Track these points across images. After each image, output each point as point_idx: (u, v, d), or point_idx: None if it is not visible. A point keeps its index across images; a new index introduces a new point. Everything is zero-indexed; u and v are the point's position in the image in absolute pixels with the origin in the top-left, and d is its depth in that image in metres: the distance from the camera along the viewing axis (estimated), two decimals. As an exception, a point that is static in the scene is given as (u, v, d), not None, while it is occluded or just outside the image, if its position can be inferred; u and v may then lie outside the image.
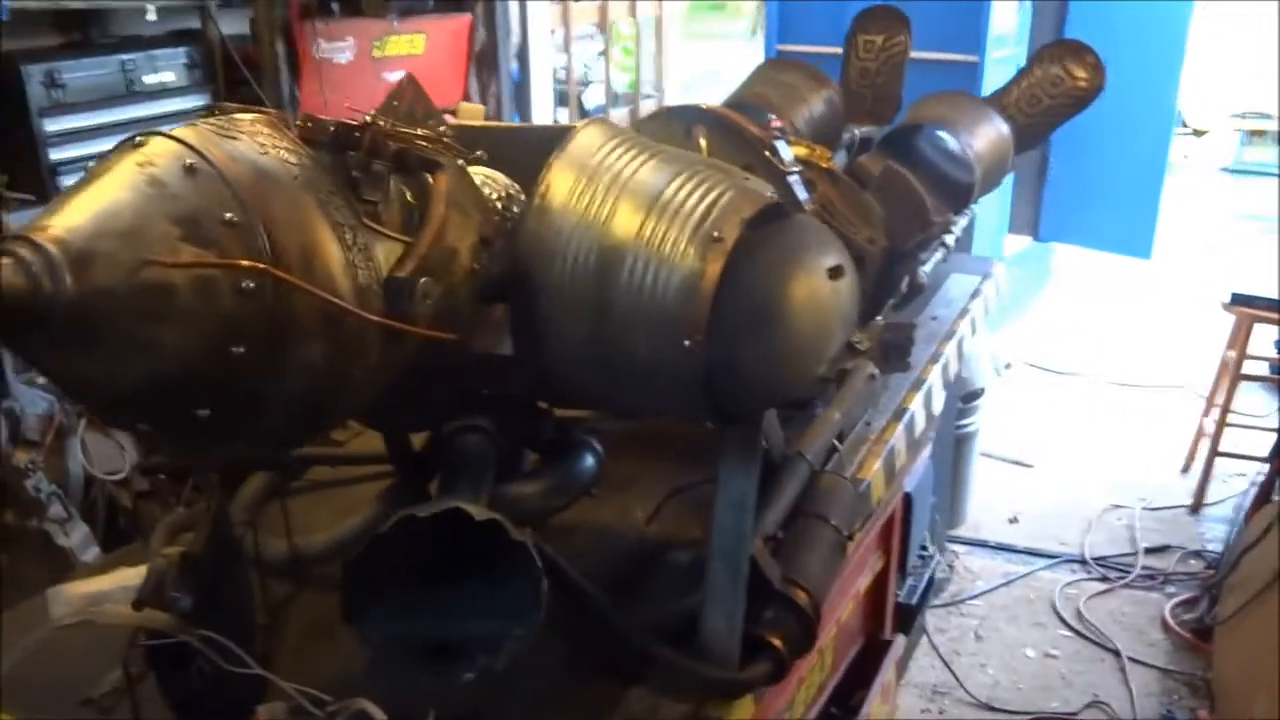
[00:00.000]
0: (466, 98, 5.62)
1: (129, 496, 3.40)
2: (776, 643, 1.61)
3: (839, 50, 3.40)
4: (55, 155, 3.87)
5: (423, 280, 1.25)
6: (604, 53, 7.76)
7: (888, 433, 2.42)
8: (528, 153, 1.58)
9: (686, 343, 1.36)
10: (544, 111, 6.26)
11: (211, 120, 1.19)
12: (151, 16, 4.33)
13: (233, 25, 4.74)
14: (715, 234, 1.38)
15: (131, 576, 1.57)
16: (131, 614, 1.35)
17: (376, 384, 1.27)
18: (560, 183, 1.47)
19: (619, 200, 1.44)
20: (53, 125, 3.89)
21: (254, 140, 1.17)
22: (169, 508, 1.83)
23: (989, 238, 6.43)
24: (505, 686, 1.56)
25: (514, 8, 5.79)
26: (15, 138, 3.82)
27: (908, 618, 3.44)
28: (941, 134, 2.87)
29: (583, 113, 8.03)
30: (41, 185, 3.75)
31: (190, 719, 1.46)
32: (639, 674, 1.63)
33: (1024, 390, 6.16)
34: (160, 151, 1.09)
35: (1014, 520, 4.86)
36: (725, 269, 1.36)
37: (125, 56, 4.19)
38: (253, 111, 1.25)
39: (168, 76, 4.39)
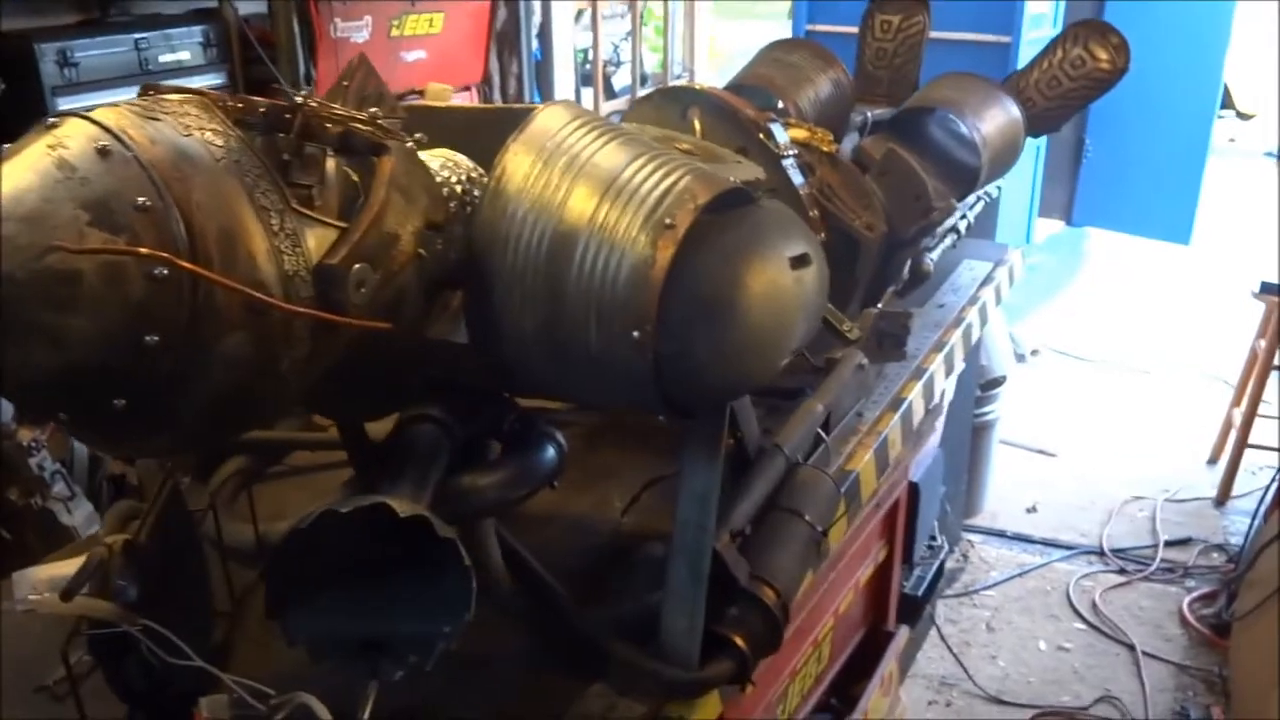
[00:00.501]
0: (486, 77, 5.59)
1: (134, 474, 3.42)
2: (739, 642, 1.57)
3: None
4: (69, 134, 3.89)
5: (357, 267, 1.21)
6: (632, 33, 7.69)
7: (881, 423, 2.36)
8: (501, 135, 1.54)
9: (635, 334, 1.31)
10: (566, 92, 6.22)
11: (137, 101, 1.16)
12: (168, -6, 4.35)
13: (251, 4, 4.74)
14: (668, 220, 1.33)
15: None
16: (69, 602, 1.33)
17: (310, 374, 1.24)
18: (516, 165, 1.43)
19: (574, 184, 1.40)
20: (66, 104, 3.89)
21: (178, 121, 1.14)
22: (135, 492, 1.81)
23: (1015, 222, 6.32)
24: (463, 677, 1.54)
25: (535, -15, 5.75)
26: (29, 117, 3.80)
27: (913, 609, 3.38)
28: (948, 117, 2.80)
29: (610, 93, 7.97)
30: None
31: (138, 709, 1.45)
32: (600, 670, 1.60)
33: (1050, 377, 6.05)
34: (73, 134, 1.06)
35: (1033, 510, 4.78)
36: (676, 257, 1.31)
37: (140, 35, 4.18)
38: (184, 92, 1.21)
39: (183, 55, 4.39)
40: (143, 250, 1.02)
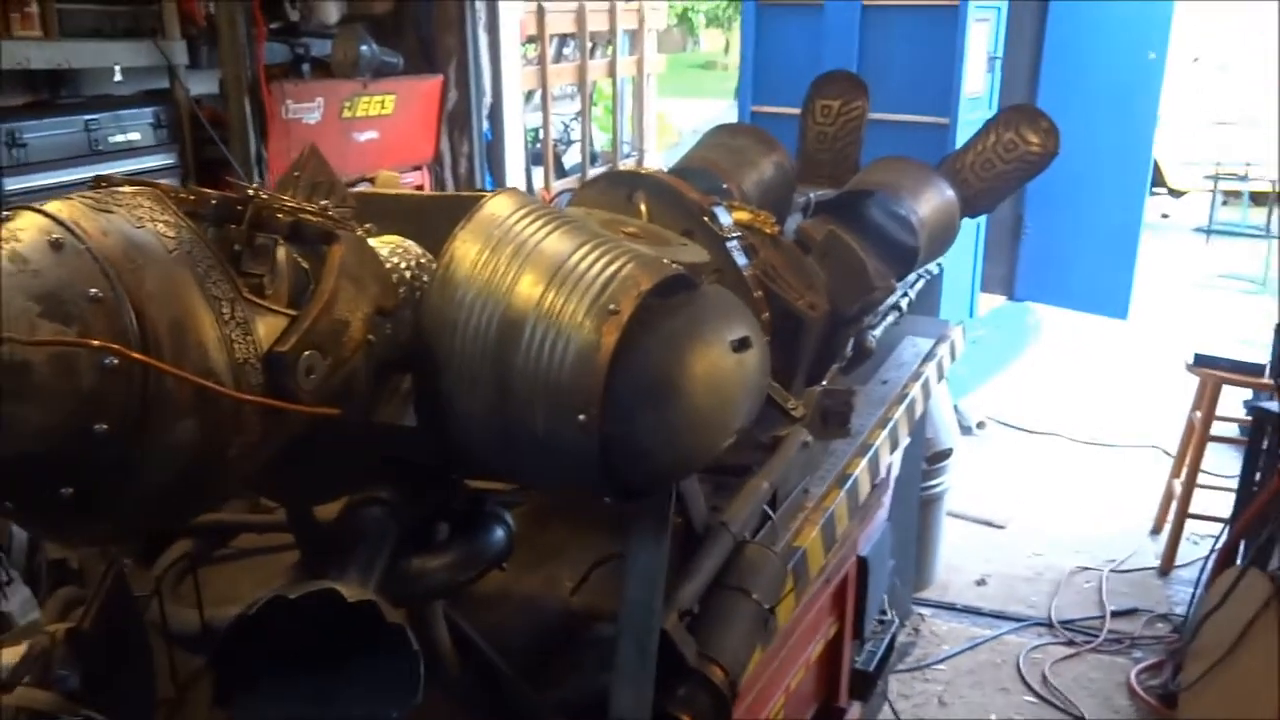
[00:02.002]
0: (437, 158, 5.66)
1: (75, 559, 3.35)
2: (687, 721, 1.58)
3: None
4: (14, 215, 3.88)
5: (306, 354, 1.23)
6: (581, 113, 7.83)
7: (828, 499, 2.39)
8: (450, 222, 1.58)
9: (581, 417, 1.34)
10: (517, 172, 6.29)
11: (90, 193, 1.18)
12: (118, 77, 4.37)
13: (204, 85, 4.77)
14: (612, 306, 1.37)
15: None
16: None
17: (258, 460, 1.25)
18: (465, 252, 1.46)
19: (521, 270, 1.43)
20: (13, 184, 3.89)
21: (131, 213, 1.16)
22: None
23: (959, 297, 6.45)
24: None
25: (486, 68, 5.84)
26: (-24, 198, 3.81)
27: (866, 684, 3.39)
28: (886, 199, 2.89)
29: (560, 172, 8.08)
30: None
31: (78, 801, 1.42)
32: (549, 751, 1.60)
33: (997, 450, 6.13)
34: (25, 226, 1.08)
35: (982, 582, 4.82)
36: (620, 342, 1.35)
37: (90, 116, 4.20)
38: (138, 183, 1.24)
39: (134, 136, 4.41)
40: (94, 342, 1.04)
